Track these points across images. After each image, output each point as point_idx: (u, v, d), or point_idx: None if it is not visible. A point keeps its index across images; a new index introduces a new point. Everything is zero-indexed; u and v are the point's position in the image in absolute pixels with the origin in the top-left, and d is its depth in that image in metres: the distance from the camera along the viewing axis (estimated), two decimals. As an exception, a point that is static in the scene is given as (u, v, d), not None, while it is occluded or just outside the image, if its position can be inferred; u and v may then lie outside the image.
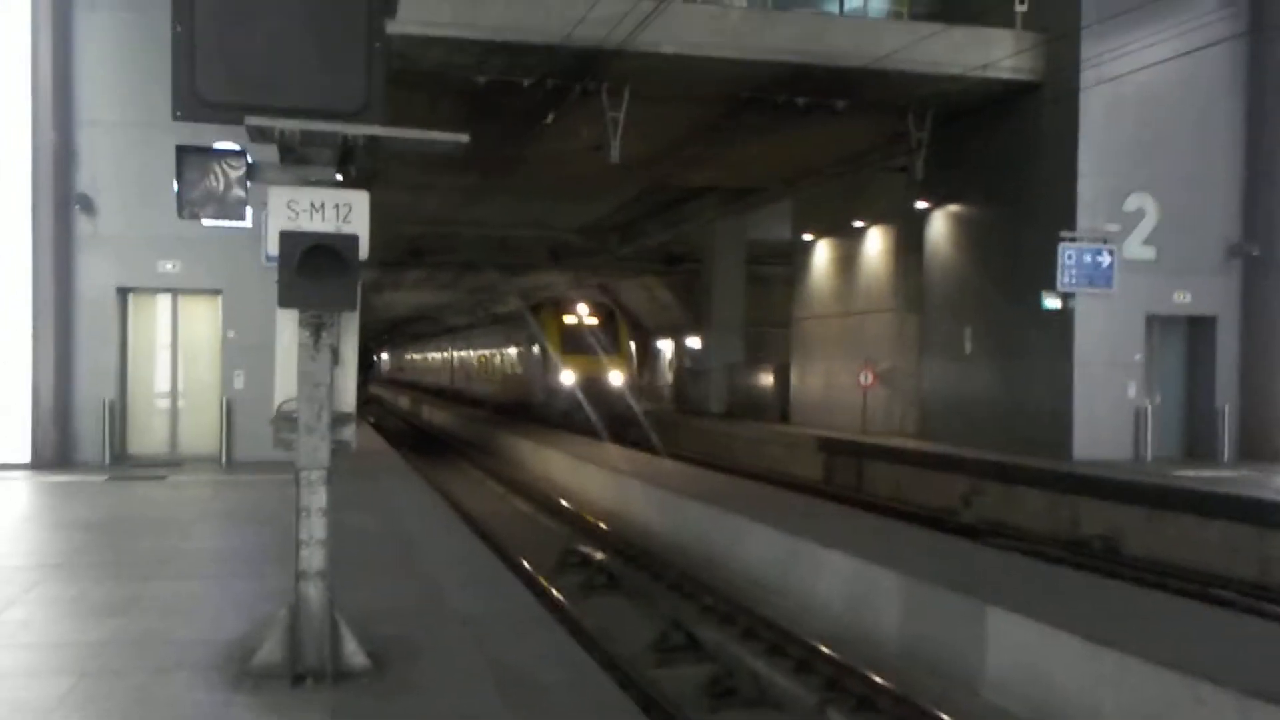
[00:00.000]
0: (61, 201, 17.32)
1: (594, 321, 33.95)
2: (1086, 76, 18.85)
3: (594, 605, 12.18)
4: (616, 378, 32.67)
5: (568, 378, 32.23)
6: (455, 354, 54.96)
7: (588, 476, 20.49)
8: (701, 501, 15.02)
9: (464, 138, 6.29)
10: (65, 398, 17.42)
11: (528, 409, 35.00)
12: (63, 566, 9.79)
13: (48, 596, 8.58)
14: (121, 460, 17.73)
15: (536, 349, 34.49)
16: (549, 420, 32.00)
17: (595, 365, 32.64)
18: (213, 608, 8.27)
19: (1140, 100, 19.49)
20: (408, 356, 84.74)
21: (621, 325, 34.74)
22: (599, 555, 14.15)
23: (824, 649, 9.51)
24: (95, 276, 17.66)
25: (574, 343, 33.09)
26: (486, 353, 45.02)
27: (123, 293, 18.08)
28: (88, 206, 17.49)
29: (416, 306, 71.12)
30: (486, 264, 43.44)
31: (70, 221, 17.50)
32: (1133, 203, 19.80)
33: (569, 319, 33.95)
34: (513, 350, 39.16)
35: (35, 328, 17.02)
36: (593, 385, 31.89)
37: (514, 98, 19.68)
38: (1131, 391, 19.91)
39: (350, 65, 6.22)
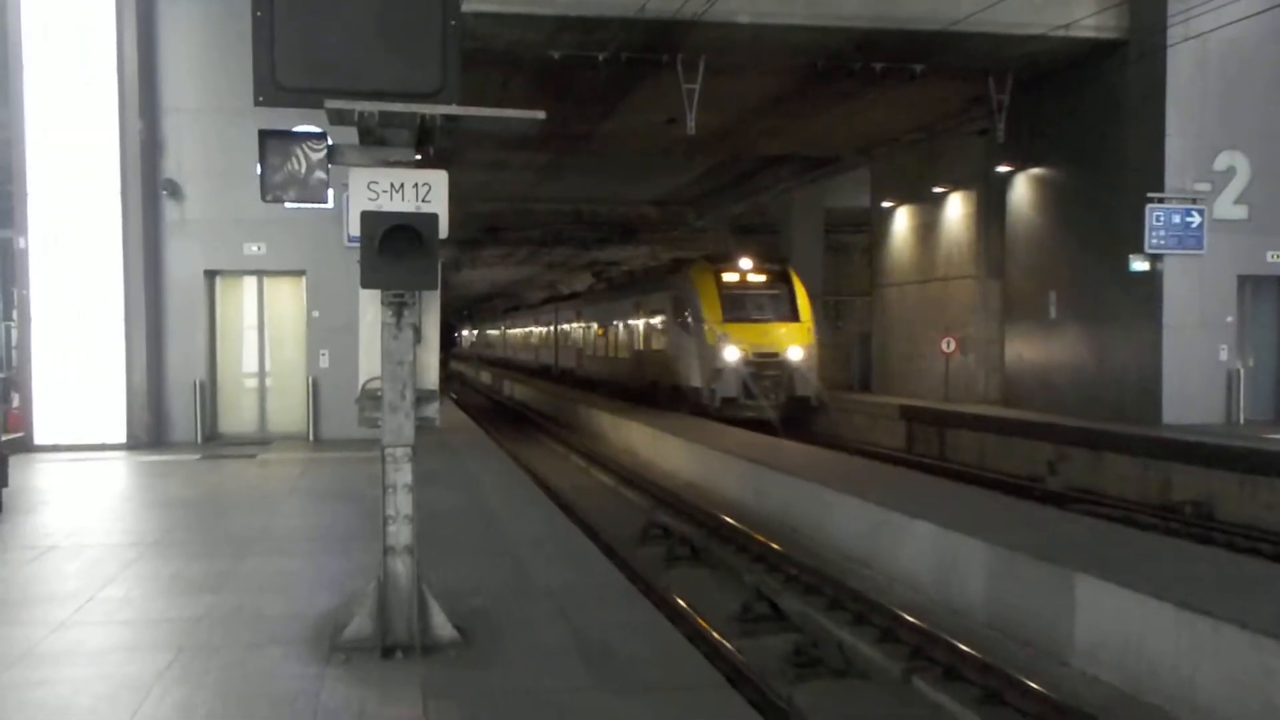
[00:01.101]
0: (149, 188, 17.71)
1: (761, 278, 26.76)
2: (1172, 33, 18.32)
3: (679, 576, 12.22)
4: (797, 354, 25.38)
5: (732, 354, 25.03)
6: (560, 327, 46.12)
7: (667, 447, 20.53)
8: (789, 474, 14.98)
9: (540, 114, 6.31)
10: (157, 379, 17.87)
11: (671, 395, 27.49)
12: (158, 544, 10.05)
13: (145, 574, 8.83)
14: (213, 439, 18.16)
15: (687, 317, 26.91)
16: (703, 410, 25.00)
17: (770, 336, 25.59)
18: (303, 583, 8.44)
19: (1228, 56, 18.92)
20: (493, 331, 78.74)
21: (799, 285, 26.99)
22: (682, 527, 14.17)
23: (909, 618, 9.45)
24: (183, 260, 18.06)
25: (739, 308, 25.98)
26: (607, 324, 36.34)
27: (210, 275, 18.47)
28: (175, 192, 17.86)
29: (496, 283, 71.79)
30: (562, 239, 43.62)
31: (158, 207, 17.90)
32: (1223, 161, 19.26)
33: (729, 276, 26.59)
34: (649, 320, 30.64)
35: (127, 312, 17.45)
36: (767, 365, 25.11)
37: (587, 73, 19.68)
38: (1223, 354, 19.45)
39: (425, 46, 6.27)
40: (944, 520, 10.81)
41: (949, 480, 15.82)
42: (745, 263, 26.79)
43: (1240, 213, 19.35)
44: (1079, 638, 8.36)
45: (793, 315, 26.08)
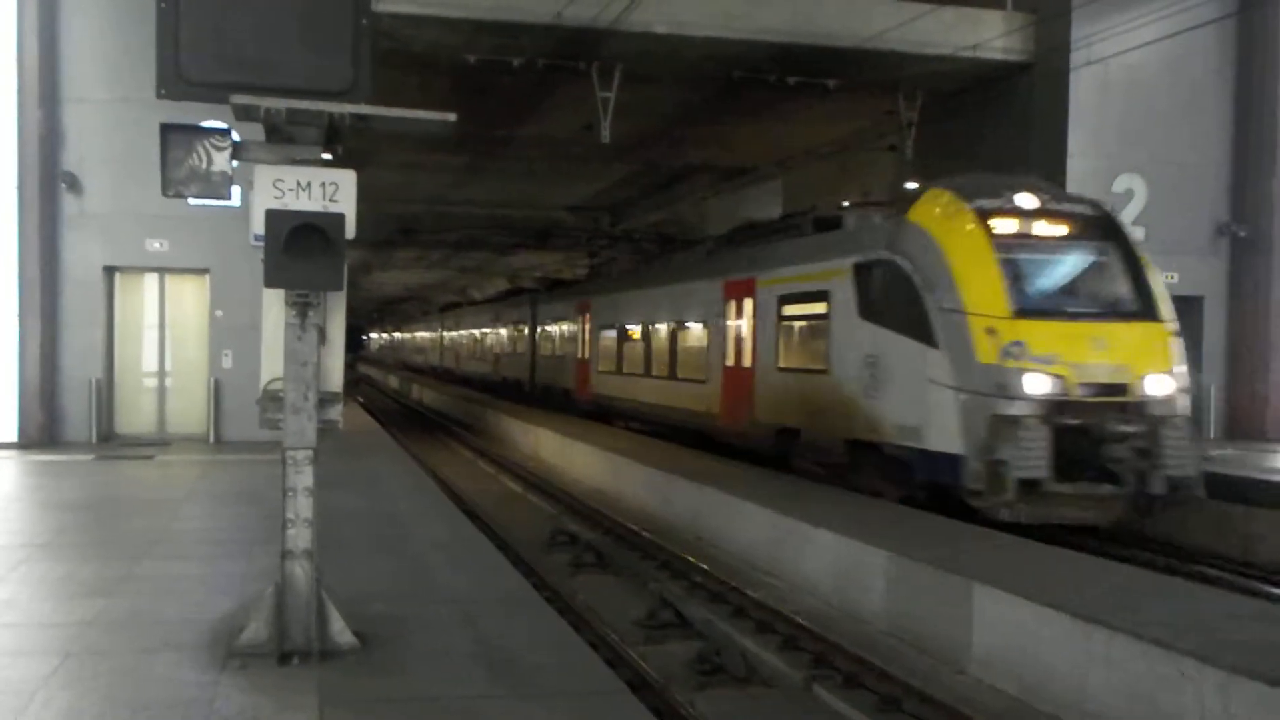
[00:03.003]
0: (48, 180, 17.26)
1: (1065, 231, 13.45)
2: (1076, 57, 18.85)
3: (584, 583, 12.19)
4: (1162, 386, 12.56)
5: (1039, 384, 12.16)
6: (552, 330, 32.07)
7: (575, 453, 20.46)
8: (696, 480, 15.03)
9: (451, 117, 6.28)
10: (52, 377, 17.39)
11: (848, 454, 14.71)
12: (49, 546, 9.78)
13: (34, 576, 8.58)
14: (109, 440, 17.72)
15: (911, 304, 13.35)
16: (952, 500, 12.75)
17: (1112, 350, 12.62)
18: (200, 587, 8.27)
19: (1130, 81, 19.53)
20: (418, 334, 67.37)
21: (1135, 246, 13.94)
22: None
23: (810, 626, 9.53)
24: (82, 255, 17.62)
25: (1041, 289, 13.28)
26: (677, 323, 21.49)
27: (110, 272, 18.04)
28: (74, 185, 17.41)
29: (409, 286, 71.12)
30: (478, 244, 43.34)
31: (57, 200, 17.44)
32: (1122, 183, 19.86)
33: (1005, 225, 13.17)
34: (790, 315, 16.71)
35: (21, 307, 16.99)
36: (1111, 411, 12.37)
37: (505, 78, 19.62)
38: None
39: (337, 44, 6.22)
40: (845, 529, 10.94)
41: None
42: (1028, 199, 13.52)
43: (1137, 234, 19.87)
44: (977, 646, 8.51)
45: (1144, 306, 13.26)
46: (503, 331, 39.86)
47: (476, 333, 45.30)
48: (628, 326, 24.60)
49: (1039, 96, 19.90)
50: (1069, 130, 19.47)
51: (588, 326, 27.64)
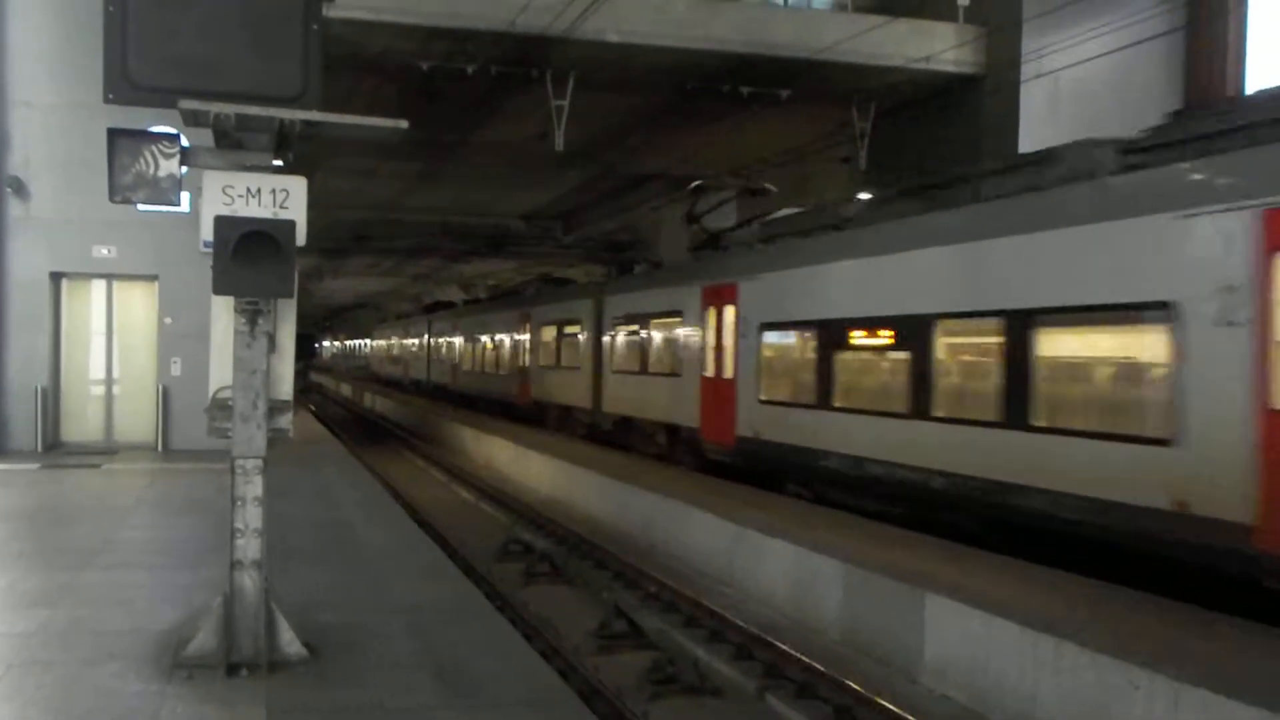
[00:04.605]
0: (-8, 184, 16.97)
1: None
2: (1027, 69, 19.06)
3: (537, 593, 12.15)
4: None
5: None
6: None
7: (529, 463, 20.41)
8: (650, 490, 15.05)
9: (402, 124, 6.25)
10: (-4, 384, 17.09)
11: None
12: (-8, 556, 9.60)
13: (-24, 587, 8.42)
14: (55, 448, 17.43)
15: None
16: None
17: None
18: (146, 598, 8.15)
19: (1079, 95, 19.75)
20: (399, 341, 55.55)
21: None
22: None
23: (764, 636, 9.56)
24: (27, 261, 17.33)
25: None
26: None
27: (56, 277, 17.75)
28: (19, 189, 17.14)
29: (361, 293, 70.56)
30: (430, 250, 43.14)
31: (2, 205, 17.15)
32: (1071, 195, 20.06)
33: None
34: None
35: (-35, 313, 16.68)
36: None
37: (458, 85, 19.55)
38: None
39: (286, 49, 6.16)
40: (800, 539, 10.98)
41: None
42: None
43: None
44: (929, 655, 8.56)
45: None
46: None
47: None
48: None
49: (990, 109, 20.11)
50: (1019, 141, 19.69)
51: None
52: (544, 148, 20.31)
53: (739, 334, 15.98)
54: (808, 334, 14.28)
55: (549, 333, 26.61)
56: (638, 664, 9.34)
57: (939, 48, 19.26)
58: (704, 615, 10.61)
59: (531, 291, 30.96)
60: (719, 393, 16.50)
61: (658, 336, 19.61)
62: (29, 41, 17.23)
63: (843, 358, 13.49)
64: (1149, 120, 19.77)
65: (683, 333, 18.15)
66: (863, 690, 8.12)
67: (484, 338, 34.36)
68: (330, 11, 5.71)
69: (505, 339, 31.38)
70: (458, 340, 39.02)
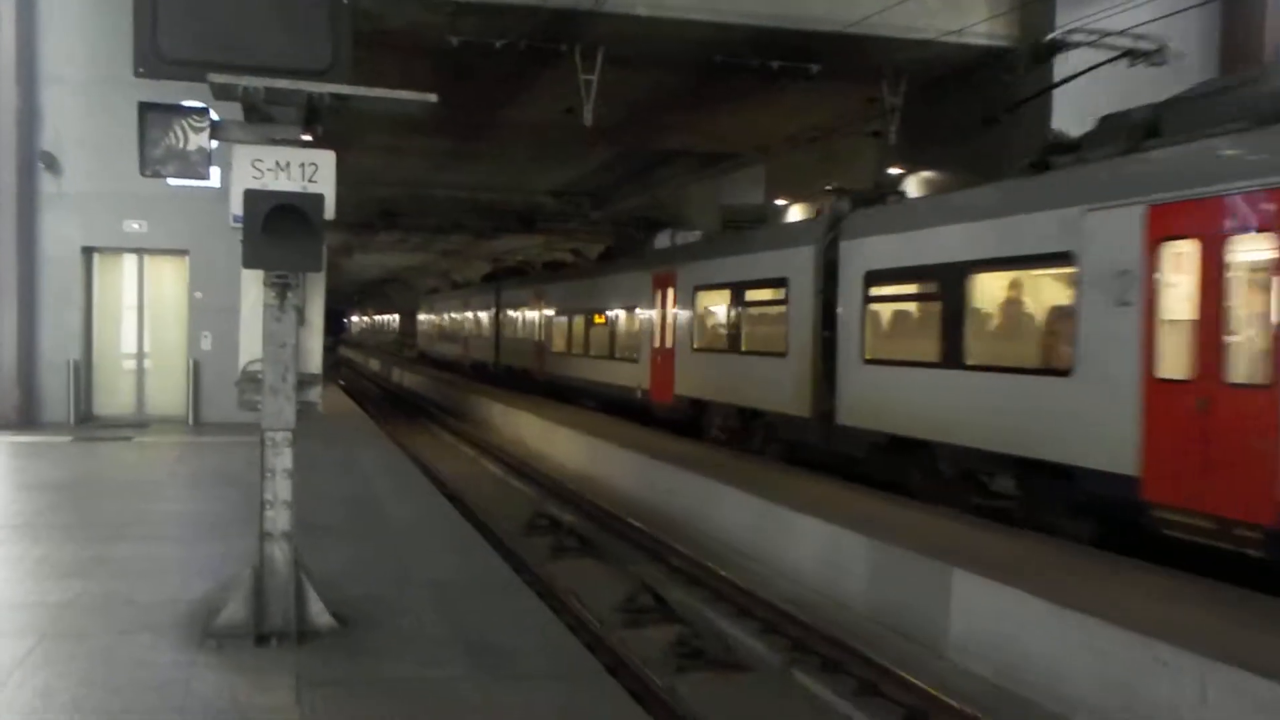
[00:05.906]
0: (25, 160, 17.08)
1: None
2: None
3: (565, 567, 12.19)
4: None
5: None
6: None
7: (558, 439, 20.43)
8: (678, 466, 15.05)
9: (431, 97, 6.24)
10: (29, 358, 17.25)
11: None
12: (26, 527, 9.71)
13: (9, 557, 8.52)
14: (87, 421, 17.60)
15: None
16: None
17: None
18: (178, 569, 8.24)
19: (1114, 66, 19.49)
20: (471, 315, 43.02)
21: None
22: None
23: (791, 611, 9.56)
24: (59, 236, 17.47)
25: None
26: None
27: (88, 252, 17.89)
28: (52, 165, 17.26)
29: (389, 268, 70.89)
30: (459, 227, 43.20)
31: (34, 180, 17.27)
32: (1106, 170, 19.83)
33: None
34: None
35: (-2, 287, 16.84)
36: None
37: (487, 60, 19.48)
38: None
39: (316, 23, 6.17)
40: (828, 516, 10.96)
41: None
42: None
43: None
44: (954, 631, 8.54)
45: None
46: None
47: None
48: None
49: (1023, 81, 19.88)
50: (1054, 115, 19.45)
51: None
52: (572, 124, 20.24)
53: None
54: None
55: (715, 301, 19.49)
56: (663, 638, 9.38)
57: (971, 20, 19.03)
58: (729, 589, 10.61)
59: (680, 242, 22.86)
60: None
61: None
62: (60, 17, 17.30)
63: None
64: (1185, 85, 19.60)
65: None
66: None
67: (591, 311, 26.08)
68: (359, -14, 5.79)
69: (621, 314, 24.11)
70: (548, 314, 30.23)
